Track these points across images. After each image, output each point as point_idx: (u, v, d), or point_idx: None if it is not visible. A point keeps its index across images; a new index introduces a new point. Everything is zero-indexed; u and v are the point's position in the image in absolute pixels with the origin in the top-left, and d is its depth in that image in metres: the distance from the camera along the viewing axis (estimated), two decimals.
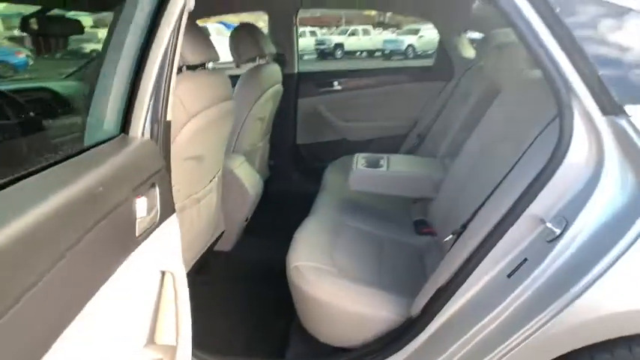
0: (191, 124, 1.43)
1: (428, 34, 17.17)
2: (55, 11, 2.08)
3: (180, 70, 1.48)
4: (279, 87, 2.47)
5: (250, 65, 2.30)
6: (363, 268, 1.58)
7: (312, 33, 19.21)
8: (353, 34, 18.76)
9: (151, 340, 0.81)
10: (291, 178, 2.98)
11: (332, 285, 1.44)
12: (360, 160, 2.07)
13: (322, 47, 17.91)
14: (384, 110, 2.86)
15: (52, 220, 0.56)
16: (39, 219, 0.54)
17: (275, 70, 2.45)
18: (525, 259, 1.08)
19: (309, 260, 1.54)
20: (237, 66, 2.22)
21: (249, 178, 2.17)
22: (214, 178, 1.83)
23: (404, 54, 17.35)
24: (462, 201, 1.62)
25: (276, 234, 1.79)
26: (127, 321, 0.73)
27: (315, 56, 17.96)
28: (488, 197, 1.27)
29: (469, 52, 2.71)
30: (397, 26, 23.46)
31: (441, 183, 1.86)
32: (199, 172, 1.63)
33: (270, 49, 2.38)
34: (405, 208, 2.10)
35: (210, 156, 1.66)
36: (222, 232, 2.14)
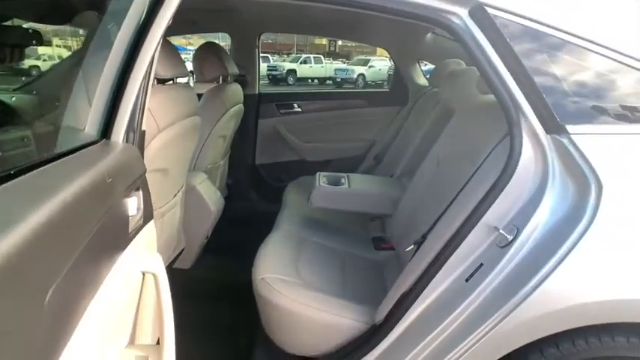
0: (160, 136, 1.45)
1: (377, 65, 17.89)
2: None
3: None
4: (240, 107, 2.52)
5: (211, 85, 2.34)
6: (327, 280, 1.63)
7: (265, 58, 19.44)
8: (305, 62, 19.11)
9: (132, 340, 0.82)
10: (250, 197, 3.01)
11: (298, 295, 1.48)
12: (321, 178, 2.14)
13: (275, 73, 18.09)
14: (343, 132, 2.97)
15: (67, 211, 0.58)
16: (55, 209, 0.56)
17: (237, 90, 2.51)
18: (481, 264, 1.18)
19: (275, 272, 1.57)
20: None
21: (211, 195, 2.18)
22: (178, 192, 1.83)
23: (354, 83, 17.87)
24: (419, 216, 1.73)
25: (235, 252, 1.80)
26: (114, 320, 0.74)
27: (267, 81, 18.18)
28: (446, 209, 1.38)
29: (422, 80, 2.90)
30: (347, 57, 24.27)
31: (399, 200, 1.97)
32: (164, 185, 1.63)
33: (234, 69, 2.43)
34: (364, 225, 2.18)
35: (175, 170, 1.67)
36: (183, 249, 2.13)
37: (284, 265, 1.65)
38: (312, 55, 20.13)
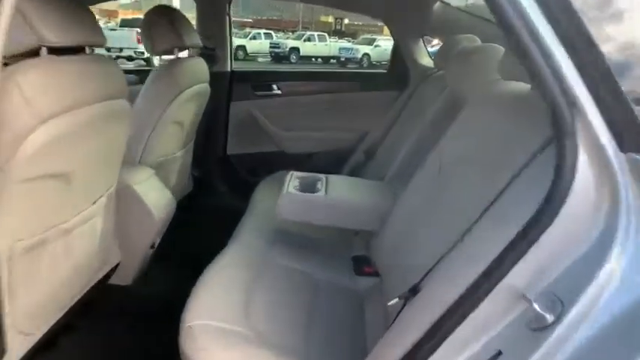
0: (42, 130, 1.01)
1: (383, 45, 17.41)
2: None
3: (36, 53, 1.06)
4: (204, 87, 2.06)
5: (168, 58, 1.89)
6: (287, 329, 1.21)
7: (268, 35, 18.90)
8: (309, 39, 18.63)
9: None
10: (219, 192, 2.57)
11: (237, 355, 1.06)
12: (293, 180, 1.69)
13: (277, 50, 17.64)
14: (330, 120, 2.52)
15: None
16: None
17: (199, 67, 2.05)
18: (499, 353, 0.75)
19: (213, 317, 1.15)
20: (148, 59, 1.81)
21: (156, 196, 1.75)
22: (98, 200, 1.40)
23: (359, 63, 17.40)
24: (411, 242, 1.29)
25: (194, 262, 1.42)
26: None
27: (269, 59, 17.65)
28: (449, 251, 0.94)
29: (426, 60, 2.42)
30: (353, 35, 23.60)
31: (388, 213, 1.53)
32: (65, 195, 1.20)
33: (195, 40, 1.97)
34: (344, 239, 1.75)
35: (83, 174, 1.24)
36: (118, 264, 1.71)
37: (230, 304, 1.22)
38: (316, 33, 19.62)
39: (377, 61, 17.25)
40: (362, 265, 1.60)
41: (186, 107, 1.93)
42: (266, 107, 2.49)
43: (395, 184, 1.73)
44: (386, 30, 2.64)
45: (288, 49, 17.58)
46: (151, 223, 1.68)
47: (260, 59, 17.74)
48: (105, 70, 1.29)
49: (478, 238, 0.87)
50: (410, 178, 1.56)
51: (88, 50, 1.24)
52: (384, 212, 1.54)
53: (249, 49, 17.53)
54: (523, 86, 1.15)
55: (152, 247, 1.81)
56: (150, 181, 1.75)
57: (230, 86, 2.45)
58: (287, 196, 1.57)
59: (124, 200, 1.63)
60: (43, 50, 1.06)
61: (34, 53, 1.05)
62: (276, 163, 2.53)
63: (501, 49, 1.44)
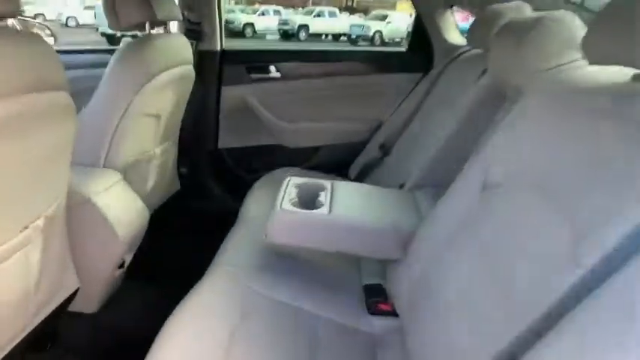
0: None
1: (396, 22, 16.80)
2: None
3: None
4: (185, 70, 1.69)
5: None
6: None
7: (277, 12, 18.35)
8: (319, 15, 18.02)
9: None
10: (209, 192, 2.22)
11: None
12: (289, 189, 1.33)
13: (286, 27, 17.11)
14: (337, 109, 2.13)
15: None
16: None
17: (179, 45, 1.68)
18: None
19: None
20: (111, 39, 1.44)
21: (122, 208, 1.41)
22: (32, 224, 1.06)
23: (370, 40, 16.81)
24: (443, 274, 0.94)
25: (173, 279, 1.21)
26: None
27: (277, 36, 17.10)
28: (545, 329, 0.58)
29: (455, 35, 2.01)
30: (365, 12, 22.78)
31: (411, 240, 1.17)
32: None
33: (172, 12, 1.59)
34: (353, 262, 1.40)
35: (2, 195, 0.90)
36: (78, 289, 1.39)
37: (204, 355, 0.91)
38: (326, 9, 18.94)
39: (390, 39, 16.77)
40: (376, 299, 1.25)
41: (162, 95, 1.57)
42: (263, 93, 2.11)
43: (419, 196, 1.37)
44: (399, 5, 2.22)
45: (296, 26, 17.03)
46: (115, 242, 1.35)
47: (269, 36, 17.25)
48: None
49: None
50: (438, 189, 1.20)
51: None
52: (406, 235, 1.18)
53: (257, 26, 17.03)
54: (624, 73, 0.77)
55: (121, 266, 1.48)
56: (114, 190, 1.41)
57: (220, 68, 2.08)
58: (280, 214, 1.21)
59: (80, 216, 1.30)
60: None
61: None
62: (276, 158, 2.18)
63: (576, 18, 1.04)
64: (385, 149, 1.92)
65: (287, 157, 2.19)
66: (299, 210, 1.21)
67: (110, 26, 1.46)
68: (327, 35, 17.83)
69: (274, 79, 2.11)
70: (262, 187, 1.84)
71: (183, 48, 1.71)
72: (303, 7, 23.02)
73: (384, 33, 16.63)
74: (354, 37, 16.92)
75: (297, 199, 1.29)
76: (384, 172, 1.88)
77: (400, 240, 1.19)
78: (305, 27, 17.24)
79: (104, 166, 1.44)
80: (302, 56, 2.13)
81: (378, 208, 1.28)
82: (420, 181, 1.44)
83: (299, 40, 16.88)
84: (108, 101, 1.40)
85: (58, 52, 0.99)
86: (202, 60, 2.00)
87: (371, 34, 16.84)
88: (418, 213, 1.26)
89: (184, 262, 1.58)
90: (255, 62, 2.09)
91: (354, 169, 2.08)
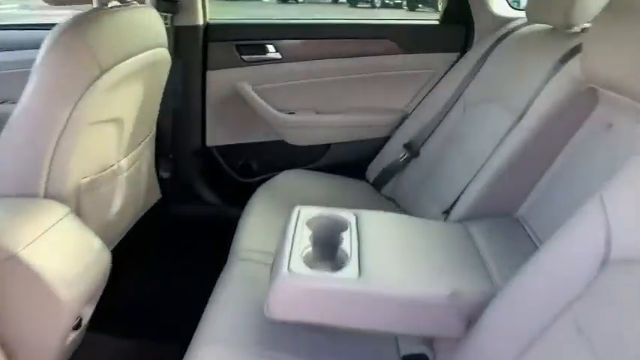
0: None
1: None
2: None
3: None
4: (158, 54, 1.29)
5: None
6: None
7: None
8: None
9: None
10: (199, 198, 1.85)
11: None
12: (300, 229, 0.95)
13: None
14: (352, 97, 1.72)
15: None
16: None
17: (147, 22, 1.27)
18: None
19: None
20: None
21: (69, 257, 1.03)
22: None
23: (370, 2, 16.03)
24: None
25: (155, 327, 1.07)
26: None
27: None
28: None
29: (502, 5, 1.57)
30: None
31: (478, 309, 0.80)
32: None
33: None
34: None
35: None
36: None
37: None
38: None
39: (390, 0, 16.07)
40: None
41: (122, 93, 1.17)
42: (259, 78, 1.70)
43: (478, 234, 0.99)
44: None
45: None
46: (57, 306, 0.98)
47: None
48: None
49: None
50: (502, 222, 0.84)
51: None
52: (470, 306, 0.82)
53: None
54: None
55: (77, 327, 1.12)
56: (56, 232, 1.02)
57: (205, 48, 1.66)
58: (288, 279, 0.83)
59: (9, 275, 0.93)
60: None
61: None
62: (276, 157, 1.80)
63: None
64: (412, 151, 1.53)
65: (290, 157, 1.80)
66: (315, 274, 0.84)
67: (48, 2, 1.05)
68: None
69: (273, 60, 1.68)
70: (262, 200, 1.47)
71: (152, 25, 1.29)
72: None
73: None
74: None
75: (310, 249, 0.91)
76: (412, 180, 1.49)
77: (462, 313, 0.82)
78: None
79: (46, 196, 1.06)
80: (307, 31, 1.69)
81: (426, 260, 0.90)
82: (473, 209, 1.06)
83: (297, 2, 16.13)
84: (40, 107, 1.01)
85: None
86: (180, 38, 1.58)
87: None
88: (484, 268, 0.89)
89: (169, 301, 1.43)
90: (248, 39, 1.66)
91: (372, 172, 1.69)
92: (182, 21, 1.58)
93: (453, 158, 1.32)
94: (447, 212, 1.12)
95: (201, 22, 1.63)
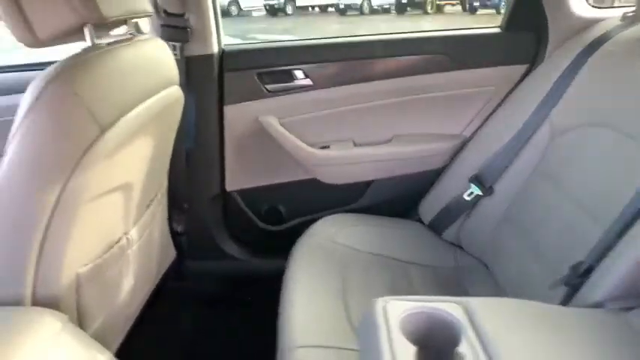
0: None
1: None
2: None
3: None
4: (170, 95, 1.02)
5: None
6: None
7: None
8: None
9: None
10: (220, 253, 1.57)
11: None
12: (395, 334, 0.67)
13: (272, 2, 16.29)
14: (397, 124, 1.46)
15: None
16: None
17: (154, 57, 1.00)
18: None
19: None
20: None
21: None
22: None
23: (359, 9, 15.98)
24: None
25: None
26: None
27: (264, 13, 16.16)
28: None
29: (582, 5, 1.30)
30: None
31: None
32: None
33: (132, 5, 0.91)
34: None
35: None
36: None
37: None
38: None
39: (379, 6, 15.88)
40: None
41: (128, 152, 0.90)
42: (286, 109, 1.43)
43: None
44: None
45: (283, 0, 16.23)
46: None
47: (255, 14, 16.40)
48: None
49: None
50: None
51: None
52: None
53: (242, 3, 16.12)
54: None
55: None
56: (47, 357, 0.75)
57: (221, 78, 1.39)
58: None
59: None
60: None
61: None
62: (309, 200, 1.53)
63: None
64: (483, 187, 1.26)
65: (324, 198, 1.53)
66: None
67: (24, 43, 0.78)
68: (313, 7, 17.09)
69: (302, 88, 1.41)
70: (305, 259, 1.21)
71: (162, 60, 1.03)
72: None
73: (373, 0, 15.74)
74: (342, 6, 16.18)
75: None
76: (486, 224, 1.22)
77: None
78: (292, 0, 16.49)
79: (34, 302, 0.79)
80: (341, 51, 1.41)
81: None
82: (620, 284, 0.78)
83: (286, 14, 16.10)
84: (21, 185, 0.74)
85: None
86: (192, 70, 1.31)
87: (359, 2, 16.19)
88: None
89: None
90: (272, 66, 1.40)
91: (427, 211, 1.42)
92: (193, 50, 1.32)
93: (551, 199, 1.04)
94: (572, 286, 0.84)
95: (215, 49, 1.36)
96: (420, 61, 1.38)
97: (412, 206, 1.48)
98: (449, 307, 0.73)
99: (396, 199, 1.50)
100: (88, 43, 0.82)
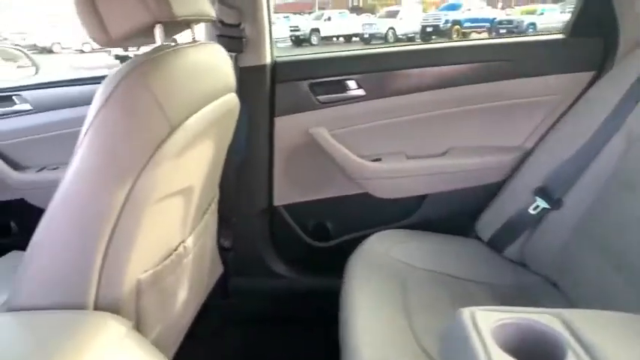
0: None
1: (407, 17, 16.45)
2: None
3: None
4: (228, 102, 1.00)
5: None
6: None
7: (286, 18, 18.08)
8: (329, 19, 17.76)
9: None
10: (265, 270, 1.52)
11: None
12: (490, 349, 0.61)
13: (297, 33, 16.74)
14: (452, 135, 1.41)
15: None
16: None
17: (217, 62, 0.99)
18: None
19: None
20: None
21: None
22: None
23: (384, 38, 16.26)
24: None
25: None
26: None
27: (289, 43, 16.57)
28: None
29: None
30: (371, 11, 22.41)
31: None
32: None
33: (201, 7, 0.91)
34: None
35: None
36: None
37: None
38: (335, 11, 18.69)
39: (403, 35, 16.15)
40: None
41: (192, 155, 0.88)
42: (338, 121, 1.40)
43: None
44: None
45: (308, 31, 16.68)
46: None
47: (280, 44, 16.84)
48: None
49: None
50: None
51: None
52: None
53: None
54: None
55: None
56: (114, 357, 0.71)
57: (272, 90, 1.38)
58: None
59: None
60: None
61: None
62: (358, 215, 1.48)
63: None
64: (550, 199, 1.19)
65: (374, 213, 1.47)
66: None
67: (97, 41, 0.77)
68: (338, 37, 17.45)
69: (354, 98, 1.39)
70: (361, 278, 1.15)
71: (222, 66, 1.01)
72: (309, 13, 22.69)
73: (397, 28, 16.18)
74: (366, 36, 16.50)
75: None
76: (556, 240, 1.14)
77: None
78: (316, 30, 16.91)
79: (97, 307, 0.75)
80: (396, 60, 1.38)
81: None
82: None
83: (311, 44, 16.47)
84: (89, 186, 0.71)
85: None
86: (245, 80, 1.30)
87: (384, 31, 16.55)
88: None
89: None
90: (324, 76, 1.37)
91: (486, 227, 1.35)
92: (247, 60, 1.31)
93: (632, 207, 0.97)
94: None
95: (268, 60, 1.35)
96: (478, 69, 1.34)
97: (468, 223, 1.41)
98: (543, 318, 0.66)
99: (452, 215, 1.44)
100: (157, 42, 0.81)
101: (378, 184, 1.42)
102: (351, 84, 1.37)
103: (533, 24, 14.39)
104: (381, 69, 1.36)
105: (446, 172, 1.40)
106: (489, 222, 1.34)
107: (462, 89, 1.34)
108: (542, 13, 15.50)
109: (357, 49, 1.49)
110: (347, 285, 1.13)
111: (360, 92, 1.37)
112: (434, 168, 1.40)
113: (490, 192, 1.37)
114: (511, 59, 1.32)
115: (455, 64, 1.34)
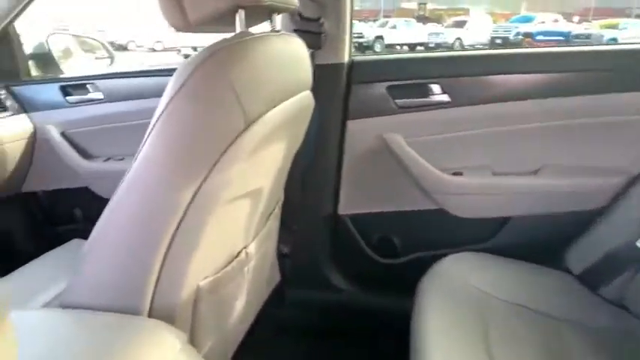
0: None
1: (474, 28, 16.36)
2: None
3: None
4: (304, 99, 0.92)
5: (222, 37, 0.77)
6: None
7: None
8: (394, 27, 17.62)
9: None
10: (325, 282, 1.43)
11: None
12: None
13: (361, 40, 16.73)
14: (545, 152, 1.25)
15: None
16: None
17: (297, 56, 0.91)
18: None
19: None
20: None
21: None
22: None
23: (451, 48, 15.92)
24: None
25: None
26: None
27: (353, 50, 16.62)
28: None
29: None
30: (437, 20, 22.03)
31: None
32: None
33: None
34: None
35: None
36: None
37: None
38: (402, 19, 18.52)
39: (470, 45, 15.75)
40: None
41: (265, 154, 0.80)
42: (415, 128, 1.28)
43: None
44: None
45: (372, 38, 16.62)
46: None
47: None
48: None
49: None
50: None
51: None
52: None
53: None
54: None
55: None
56: None
57: (348, 90, 1.28)
58: None
59: None
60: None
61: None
62: (430, 233, 1.35)
63: None
64: None
65: (448, 233, 1.34)
66: None
67: (174, 26, 0.70)
68: (402, 45, 17.27)
69: (438, 104, 1.27)
70: (435, 304, 1.03)
71: (301, 61, 0.93)
72: (374, 20, 22.63)
73: (464, 38, 16.08)
74: (432, 45, 16.20)
75: None
76: None
77: None
78: (380, 38, 16.82)
79: (151, 314, 0.69)
80: (487, 65, 1.25)
81: None
82: None
83: (374, 52, 16.44)
84: (154, 180, 0.65)
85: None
86: (320, 79, 1.22)
87: (451, 41, 16.22)
88: None
89: None
90: (405, 79, 1.27)
91: (576, 259, 1.18)
92: (324, 58, 1.23)
93: None
94: None
95: (346, 58, 1.26)
96: (580, 78, 1.18)
97: (557, 252, 1.24)
98: None
99: (536, 242, 1.28)
100: (237, 29, 0.74)
101: (457, 201, 1.29)
102: (435, 88, 1.25)
103: (615, 39, 13.43)
104: (470, 73, 1.23)
105: (535, 192, 1.24)
106: (583, 254, 1.17)
107: (559, 101, 1.18)
108: (625, 28, 14.48)
109: (442, 51, 1.36)
110: (419, 308, 1.02)
111: (445, 98, 1.25)
112: (522, 187, 1.25)
113: (584, 219, 1.20)
114: (619, 70, 1.15)
115: (551, 72, 1.18)
